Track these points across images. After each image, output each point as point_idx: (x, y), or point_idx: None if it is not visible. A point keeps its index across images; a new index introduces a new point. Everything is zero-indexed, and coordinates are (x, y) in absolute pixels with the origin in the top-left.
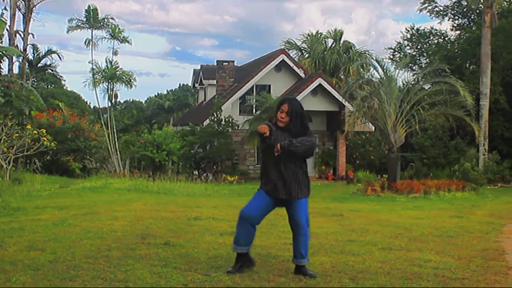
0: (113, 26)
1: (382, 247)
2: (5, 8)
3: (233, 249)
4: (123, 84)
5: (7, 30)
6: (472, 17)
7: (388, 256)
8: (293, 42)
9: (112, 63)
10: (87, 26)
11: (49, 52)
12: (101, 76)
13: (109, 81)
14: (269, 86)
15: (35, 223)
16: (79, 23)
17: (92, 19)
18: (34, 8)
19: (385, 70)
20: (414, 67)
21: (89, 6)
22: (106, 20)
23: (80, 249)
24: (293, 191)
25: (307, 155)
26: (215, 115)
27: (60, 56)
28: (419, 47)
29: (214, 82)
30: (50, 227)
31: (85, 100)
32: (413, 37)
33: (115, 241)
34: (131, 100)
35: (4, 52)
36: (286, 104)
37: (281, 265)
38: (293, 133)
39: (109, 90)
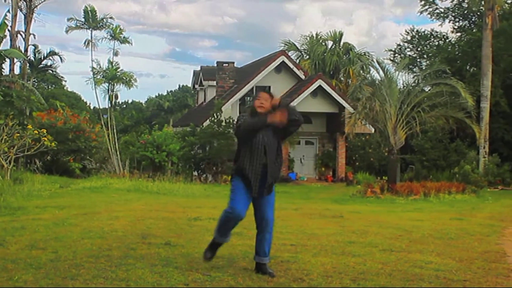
0: (113, 26)
1: (382, 249)
2: (8, 11)
3: (223, 241)
4: (123, 84)
5: (8, 30)
6: (473, 19)
7: (389, 257)
8: (293, 44)
9: (113, 64)
10: (86, 26)
11: (51, 53)
12: (101, 76)
13: (110, 81)
14: (269, 87)
15: (36, 223)
16: (78, 24)
17: (91, 19)
18: (35, 9)
19: (385, 71)
20: (414, 69)
21: (86, 7)
22: (105, 20)
23: (81, 248)
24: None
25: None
26: (215, 116)
27: (62, 58)
28: (419, 49)
29: (214, 83)
30: (51, 227)
31: (85, 100)
32: (414, 39)
33: (116, 240)
34: (131, 101)
35: (7, 55)
36: (264, 93)
37: (280, 266)
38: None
39: (110, 91)
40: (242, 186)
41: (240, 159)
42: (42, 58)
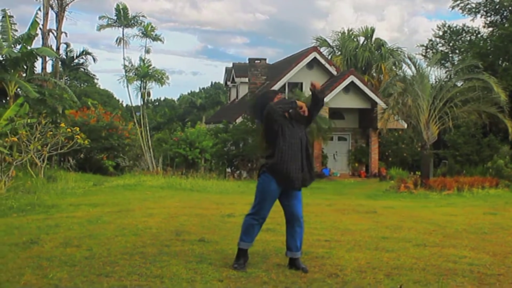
0: (145, 24)
1: (416, 244)
2: (39, 9)
3: (245, 246)
4: (156, 82)
5: (40, 29)
6: (504, 14)
7: (422, 252)
8: (325, 40)
9: (145, 61)
10: (117, 24)
11: (83, 53)
12: (134, 74)
13: (142, 79)
14: (301, 83)
15: (70, 220)
16: (110, 22)
17: (123, 17)
18: (66, 7)
19: (417, 67)
20: (446, 64)
21: (118, 5)
22: (137, 18)
23: (116, 245)
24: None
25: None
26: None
27: (94, 58)
28: (451, 44)
29: (246, 80)
30: (85, 224)
31: (118, 98)
32: (445, 34)
33: (150, 237)
34: (163, 98)
35: (39, 53)
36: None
37: (315, 262)
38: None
39: (142, 88)
40: (274, 187)
41: (278, 154)
42: (75, 57)
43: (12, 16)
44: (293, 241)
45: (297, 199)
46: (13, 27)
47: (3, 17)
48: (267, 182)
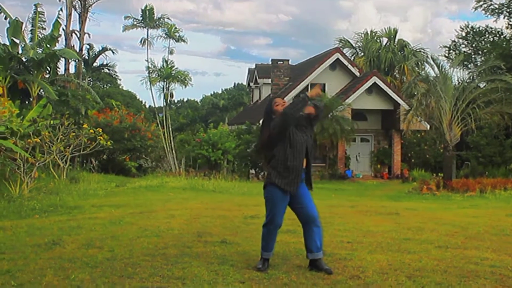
0: (169, 25)
1: (438, 245)
2: (61, 9)
3: (267, 256)
4: (179, 83)
5: (63, 29)
6: None
7: (444, 254)
8: (348, 41)
9: (168, 63)
10: (142, 25)
11: (103, 50)
12: (157, 75)
13: (165, 80)
14: (324, 84)
15: (92, 222)
16: (135, 22)
17: (148, 18)
18: (90, 8)
19: (440, 68)
20: (469, 65)
21: (145, 6)
22: (162, 19)
23: (138, 247)
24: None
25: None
26: None
27: (114, 51)
28: (474, 45)
29: (269, 81)
30: (107, 225)
31: (141, 99)
32: (468, 35)
33: (172, 239)
34: (186, 99)
35: (62, 55)
36: (279, 98)
37: (338, 263)
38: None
39: (165, 89)
40: (280, 194)
41: (280, 158)
42: (96, 54)
43: (43, 13)
44: (313, 242)
45: (307, 199)
46: (41, 25)
47: (34, 12)
48: (272, 191)
